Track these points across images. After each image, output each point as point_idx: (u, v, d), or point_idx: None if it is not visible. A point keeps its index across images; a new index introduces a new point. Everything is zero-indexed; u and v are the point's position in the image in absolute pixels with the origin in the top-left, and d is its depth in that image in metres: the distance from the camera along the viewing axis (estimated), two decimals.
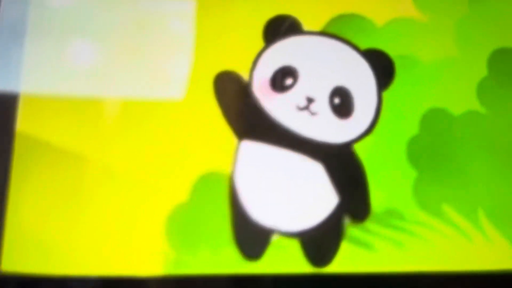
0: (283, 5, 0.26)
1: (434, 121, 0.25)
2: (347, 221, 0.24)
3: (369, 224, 0.24)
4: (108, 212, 0.24)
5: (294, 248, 0.24)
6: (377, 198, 0.24)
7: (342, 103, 0.25)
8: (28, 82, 0.25)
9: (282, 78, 0.25)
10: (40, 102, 0.25)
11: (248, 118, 0.25)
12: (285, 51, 0.26)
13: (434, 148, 0.25)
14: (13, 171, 0.24)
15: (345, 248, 0.24)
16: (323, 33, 0.26)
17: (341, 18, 0.26)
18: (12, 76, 0.26)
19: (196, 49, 0.26)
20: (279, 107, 0.25)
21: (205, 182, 0.24)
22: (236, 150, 0.24)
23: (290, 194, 0.24)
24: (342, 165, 0.25)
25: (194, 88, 0.25)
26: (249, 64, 0.25)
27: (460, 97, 0.26)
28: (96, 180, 0.24)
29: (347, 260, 0.23)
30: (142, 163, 0.24)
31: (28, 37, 0.26)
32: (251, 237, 0.24)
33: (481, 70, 0.26)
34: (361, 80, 0.26)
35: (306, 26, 0.26)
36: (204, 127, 0.25)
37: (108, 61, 0.25)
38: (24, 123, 0.24)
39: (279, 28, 0.26)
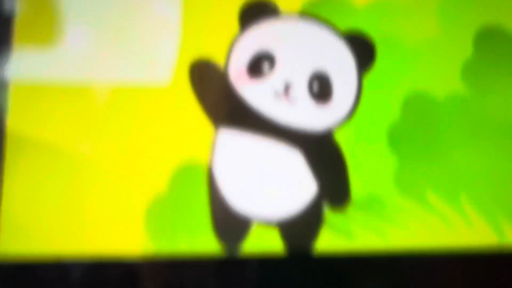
0: None
1: (416, 105, 0.25)
2: (326, 208, 0.24)
3: (349, 211, 0.24)
4: (90, 201, 0.23)
5: (274, 236, 0.24)
6: (357, 184, 0.24)
7: (321, 88, 0.25)
8: (18, 68, 0.25)
9: (259, 64, 0.25)
10: (30, 88, 0.25)
11: (225, 106, 0.25)
12: (261, 36, 0.25)
13: (416, 133, 0.25)
14: (6, 155, 0.24)
15: (324, 235, 0.24)
16: (300, 15, 0.25)
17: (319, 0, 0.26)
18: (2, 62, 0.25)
19: (182, 34, 0.25)
20: (256, 94, 0.24)
21: (183, 172, 0.24)
22: (214, 139, 0.24)
23: (269, 182, 0.24)
24: (321, 151, 0.24)
25: (177, 75, 0.25)
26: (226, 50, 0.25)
27: (444, 79, 0.25)
28: (80, 167, 0.24)
29: (327, 247, 0.23)
30: (122, 152, 0.24)
31: (18, 22, 0.25)
32: (230, 226, 0.24)
33: (466, 50, 0.26)
34: (340, 64, 0.25)
35: (283, 8, 0.25)
36: (182, 117, 0.24)
37: (96, 46, 0.25)
38: (15, 109, 0.24)
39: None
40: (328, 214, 0.24)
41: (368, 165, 0.24)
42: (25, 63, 0.25)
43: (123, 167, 0.24)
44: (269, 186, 0.24)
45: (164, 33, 0.25)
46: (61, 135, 0.24)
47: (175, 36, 0.25)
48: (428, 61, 0.25)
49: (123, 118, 0.24)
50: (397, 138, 0.24)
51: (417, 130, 0.25)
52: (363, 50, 0.25)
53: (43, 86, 0.24)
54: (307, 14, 0.25)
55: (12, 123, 0.24)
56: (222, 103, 0.25)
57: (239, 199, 0.24)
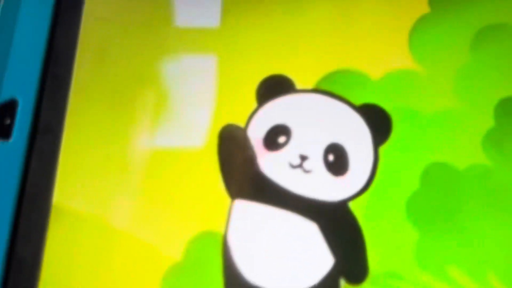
0: (275, 65, 0.27)
1: (436, 176, 0.24)
2: (343, 283, 0.23)
3: (366, 287, 0.23)
4: (107, 269, 0.24)
5: None
6: (375, 259, 0.23)
7: (336, 160, 0.25)
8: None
9: (275, 137, 0.25)
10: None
11: (242, 177, 0.25)
12: (278, 110, 0.26)
13: (436, 205, 0.24)
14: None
15: None
16: (316, 90, 0.26)
17: (334, 74, 0.26)
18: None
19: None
20: (272, 166, 0.25)
21: (199, 241, 0.24)
22: (230, 209, 0.25)
23: (284, 255, 0.24)
24: (338, 224, 0.24)
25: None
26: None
27: (464, 150, 0.25)
28: (108, 236, 0.25)
29: None
30: (140, 221, 0.25)
31: None
32: None
33: (487, 121, 0.25)
34: (356, 136, 0.25)
35: (298, 85, 0.26)
36: (198, 187, 0.25)
37: None
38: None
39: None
40: None
41: (386, 239, 0.23)
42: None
43: (142, 235, 0.25)
44: (284, 258, 0.24)
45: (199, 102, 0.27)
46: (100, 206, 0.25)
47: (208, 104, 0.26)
48: (447, 132, 0.25)
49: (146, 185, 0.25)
50: (416, 211, 0.24)
51: (437, 202, 0.24)
52: (378, 123, 0.25)
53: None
54: (322, 88, 0.26)
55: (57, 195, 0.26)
56: (240, 173, 0.25)
57: (254, 271, 0.23)
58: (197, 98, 0.27)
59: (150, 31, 0.29)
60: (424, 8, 0.27)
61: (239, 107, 0.26)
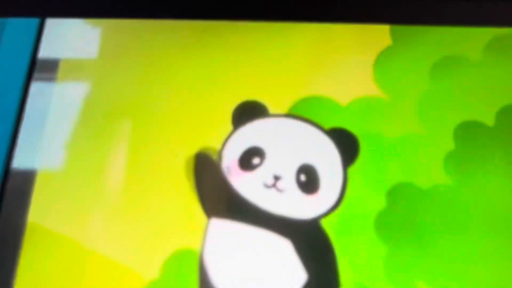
0: (251, 90, 0.28)
1: (401, 195, 0.26)
2: None
3: None
4: None
5: None
6: (346, 274, 0.24)
7: (308, 180, 0.26)
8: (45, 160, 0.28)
9: (250, 158, 0.27)
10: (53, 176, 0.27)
11: (217, 196, 0.26)
12: (252, 133, 0.27)
13: (402, 223, 0.25)
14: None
15: None
16: (288, 115, 0.28)
17: (306, 100, 0.28)
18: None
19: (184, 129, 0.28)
20: (247, 185, 0.26)
21: (175, 259, 0.25)
22: (206, 228, 0.25)
23: (259, 271, 0.24)
24: (310, 241, 0.25)
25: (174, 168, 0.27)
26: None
27: (427, 170, 0.26)
28: (82, 255, 0.25)
29: None
30: (116, 241, 0.25)
31: (48, 122, 0.28)
32: None
33: (448, 144, 0.27)
34: (326, 158, 0.27)
35: (272, 110, 0.28)
36: (174, 206, 0.26)
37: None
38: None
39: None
40: None
41: (356, 255, 0.24)
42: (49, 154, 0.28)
43: (119, 255, 0.25)
44: (259, 275, 0.24)
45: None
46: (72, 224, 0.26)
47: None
48: (411, 154, 0.27)
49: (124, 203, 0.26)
50: (384, 228, 0.25)
51: (403, 220, 0.25)
52: (347, 145, 0.27)
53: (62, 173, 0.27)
54: (294, 113, 0.28)
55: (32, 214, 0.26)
56: (215, 193, 0.26)
57: (229, 287, 0.24)
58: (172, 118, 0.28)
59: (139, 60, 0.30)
60: (387, 41, 0.30)
61: (216, 133, 0.28)
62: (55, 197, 0.26)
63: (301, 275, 0.24)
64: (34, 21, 0.31)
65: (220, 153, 0.27)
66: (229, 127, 0.27)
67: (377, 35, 0.30)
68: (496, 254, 0.24)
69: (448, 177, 0.26)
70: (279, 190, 0.26)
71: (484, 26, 0.30)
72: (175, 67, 0.29)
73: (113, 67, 0.30)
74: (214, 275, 0.24)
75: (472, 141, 0.27)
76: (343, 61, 0.29)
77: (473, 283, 0.24)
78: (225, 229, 0.25)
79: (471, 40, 0.30)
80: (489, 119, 0.27)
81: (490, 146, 0.27)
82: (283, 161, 0.26)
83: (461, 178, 0.26)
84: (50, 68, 0.30)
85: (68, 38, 0.31)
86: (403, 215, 0.25)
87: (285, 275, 0.24)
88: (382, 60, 0.29)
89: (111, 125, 0.28)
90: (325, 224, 0.25)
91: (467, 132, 0.27)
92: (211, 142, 0.27)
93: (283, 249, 0.25)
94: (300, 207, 0.26)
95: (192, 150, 0.27)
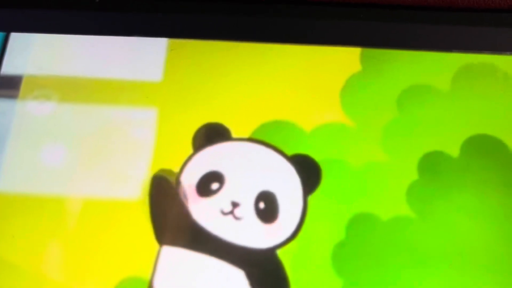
0: (213, 113, 0.28)
1: (361, 226, 0.25)
2: None
3: None
4: None
5: None
6: None
7: (267, 208, 0.26)
8: (5, 181, 0.27)
9: (208, 183, 0.26)
10: (12, 200, 0.26)
11: (171, 223, 0.25)
12: (213, 157, 0.27)
13: (361, 255, 0.25)
14: None
15: None
16: (251, 139, 0.27)
17: (269, 125, 0.28)
18: None
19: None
20: (203, 212, 0.26)
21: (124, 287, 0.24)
22: (157, 255, 0.25)
23: None
24: (265, 272, 0.24)
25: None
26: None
27: (389, 201, 0.26)
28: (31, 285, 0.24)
29: None
30: (69, 270, 0.25)
31: (9, 142, 0.28)
32: None
33: (411, 174, 0.27)
34: (287, 185, 0.26)
35: (234, 133, 0.28)
36: (127, 234, 0.25)
37: (75, 164, 0.27)
38: None
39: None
40: None
41: (312, 287, 0.24)
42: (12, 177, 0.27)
43: (70, 283, 0.24)
44: None
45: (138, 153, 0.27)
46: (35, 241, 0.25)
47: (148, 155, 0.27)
48: (373, 183, 0.26)
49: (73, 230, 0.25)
50: (342, 260, 0.25)
51: (362, 252, 0.25)
52: (308, 172, 0.26)
53: (28, 197, 0.26)
54: (257, 138, 0.27)
55: None
56: (169, 219, 0.26)
57: None
58: (135, 149, 0.28)
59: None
60: (356, 66, 0.30)
61: (176, 156, 0.27)
62: (10, 221, 0.26)
63: None
64: None
65: (178, 177, 0.26)
66: (189, 149, 0.27)
67: (347, 59, 0.30)
68: (460, 283, 0.24)
69: (410, 209, 0.26)
70: (237, 218, 0.25)
71: (455, 51, 0.29)
72: None
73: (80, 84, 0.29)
74: None
75: (436, 172, 0.27)
76: (309, 86, 0.29)
77: None
78: (177, 258, 0.25)
79: (441, 67, 0.29)
80: (453, 150, 0.27)
81: (454, 177, 0.27)
82: (242, 187, 0.26)
83: (424, 210, 0.26)
84: (13, 84, 0.30)
85: (33, 53, 0.30)
86: (362, 247, 0.25)
87: None
88: (350, 86, 0.29)
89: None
90: (281, 254, 0.25)
91: (432, 163, 0.27)
92: (169, 165, 0.27)
93: (235, 280, 0.24)
94: (257, 236, 0.25)
95: (150, 173, 0.27)
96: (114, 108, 0.28)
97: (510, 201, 0.26)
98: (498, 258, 0.25)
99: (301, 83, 0.29)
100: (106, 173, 0.27)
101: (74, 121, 0.28)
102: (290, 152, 0.27)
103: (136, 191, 0.26)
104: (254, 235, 0.25)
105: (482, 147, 0.27)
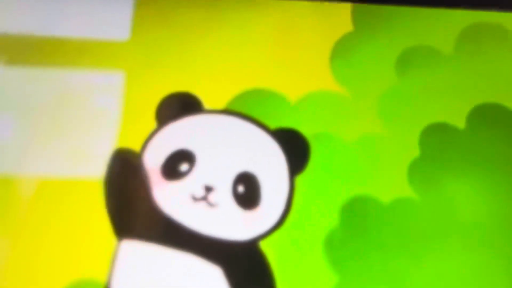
0: (180, 82, 0.24)
1: (357, 210, 0.22)
2: None
3: None
4: None
5: None
6: None
7: (247, 192, 0.22)
8: None
9: (176, 164, 0.23)
10: None
11: (132, 211, 0.22)
12: (181, 133, 0.23)
13: (357, 244, 0.22)
14: None
15: None
16: (226, 111, 0.24)
17: (248, 94, 0.24)
18: None
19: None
20: (171, 198, 0.22)
21: None
22: (115, 252, 0.21)
23: None
24: (245, 268, 0.21)
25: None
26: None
27: (388, 182, 0.23)
28: None
29: None
30: (14, 265, 0.21)
31: None
32: None
33: (413, 150, 0.24)
34: (270, 165, 0.23)
35: (207, 104, 0.24)
36: (81, 224, 0.22)
37: (27, 137, 0.23)
38: None
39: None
40: None
41: (301, 285, 0.21)
42: None
43: (13, 283, 0.21)
44: None
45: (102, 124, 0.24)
46: None
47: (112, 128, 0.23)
48: (371, 161, 0.23)
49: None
50: (335, 250, 0.22)
51: (359, 240, 0.22)
52: (295, 149, 0.23)
53: None
54: (233, 109, 0.24)
55: None
56: (129, 206, 0.22)
57: None
58: (98, 120, 0.24)
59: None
60: (348, 26, 0.26)
61: (143, 130, 0.23)
62: None
63: None
64: None
65: (140, 157, 0.23)
66: (152, 124, 0.24)
67: (337, 17, 0.26)
68: (466, 273, 0.22)
69: (413, 190, 0.23)
70: (211, 204, 0.22)
71: (459, 8, 0.27)
72: None
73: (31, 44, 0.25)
74: None
75: (440, 146, 0.24)
76: (295, 48, 0.25)
77: None
78: (140, 254, 0.21)
79: (444, 28, 0.26)
80: (459, 121, 0.25)
81: (461, 152, 0.24)
82: (217, 168, 0.22)
83: (427, 190, 0.23)
84: None
85: None
86: (358, 235, 0.22)
87: None
88: (342, 48, 0.26)
89: None
90: (264, 246, 0.22)
91: (435, 136, 0.24)
92: (129, 143, 0.23)
93: (211, 279, 0.21)
94: (235, 225, 0.22)
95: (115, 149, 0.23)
96: (73, 72, 0.25)
97: None
98: (506, 236, 0.22)
99: (284, 45, 0.25)
100: (64, 149, 0.23)
101: (25, 88, 0.24)
102: (273, 125, 0.24)
103: (98, 170, 0.23)
104: (232, 224, 0.22)
105: (491, 118, 0.25)
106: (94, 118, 0.24)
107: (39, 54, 0.25)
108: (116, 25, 0.26)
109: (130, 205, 0.22)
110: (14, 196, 0.22)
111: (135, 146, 0.23)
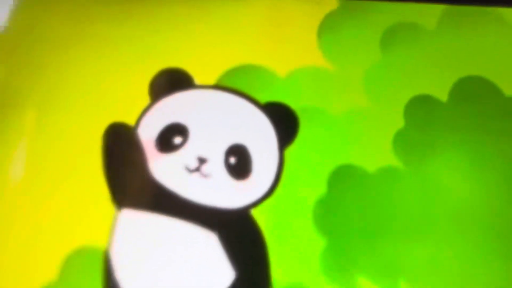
0: (171, 58, 0.25)
1: (344, 179, 0.24)
2: None
3: None
4: None
5: None
6: (279, 271, 0.22)
7: (238, 163, 0.23)
8: None
9: (170, 137, 0.24)
10: None
11: (130, 182, 0.23)
12: (174, 107, 0.24)
13: (345, 211, 0.23)
14: None
15: None
16: (217, 86, 0.25)
17: (238, 70, 0.25)
18: None
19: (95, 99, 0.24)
20: (166, 169, 0.23)
21: (76, 258, 0.22)
22: (114, 220, 0.22)
23: (179, 270, 0.22)
24: (239, 234, 0.22)
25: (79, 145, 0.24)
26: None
27: (374, 151, 0.24)
28: None
29: None
30: (10, 229, 0.22)
31: None
32: None
33: (397, 121, 0.25)
34: (260, 137, 0.24)
35: (198, 80, 0.25)
36: (78, 194, 0.23)
37: None
38: None
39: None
40: None
41: (291, 249, 0.22)
42: None
43: (10, 252, 0.22)
44: (178, 274, 0.22)
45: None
46: None
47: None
48: (357, 132, 0.25)
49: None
50: (323, 217, 0.23)
51: (346, 207, 0.23)
52: (284, 122, 0.24)
53: None
54: (223, 85, 0.25)
55: None
56: (128, 177, 0.23)
57: None
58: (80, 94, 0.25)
59: None
60: (333, 3, 0.27)
61: (131, 107, 0.24)
62: None
63: (228, 273, 0.22)
64: None
65: (134, 130, 0.24)
66: (146, 99, 0.24)
67: None
68: (451, 244, 0.23)
69: (398, 159, 0.24)
70: (204, 175, 0.23)
71: None
72: (89, 31, 0.26)
73: None
74: (122, 276, 0.21)
75: (424, 118, 0.25)
76: (282, 26, 0.26)
77: (421, 277, 0.22)
78: (138, 222, 0.22)
79: (427, 4, 0.28)
80: (442, 94, 0.26)
81: (444, 124, 0.25)
82: (209, 140, 0.24)
83: (412, 160, 0.24)
84: None
85: None
86: (345, 202, 0.23)
87: (209, 274, 0.22)
88: (329, 24, 0.27)
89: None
90: (256, 214, 0.23)
91: (419, 108, 0.26)
92: (124, 118, 0.24)
93: (207, 244, 0.22)
94: (228, 194, 0.23)
95: (101, 127, 0.24)
96: None
97: (506, 148, 0.25)
98: (493, 211, 0.24)
99: (273, 22, 0.26)
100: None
101: None
102: (262, 100, 0.25)
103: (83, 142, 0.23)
104: (225, 193, 0.23)
105: (473, 91, 0.26)
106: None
107: None
108: None
109: (127, 176, 0.23)
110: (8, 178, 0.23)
111: (123, 120, 0.24)
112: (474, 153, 0.25)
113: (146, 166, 0.23)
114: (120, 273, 0.21)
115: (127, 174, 0.23)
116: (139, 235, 0.22)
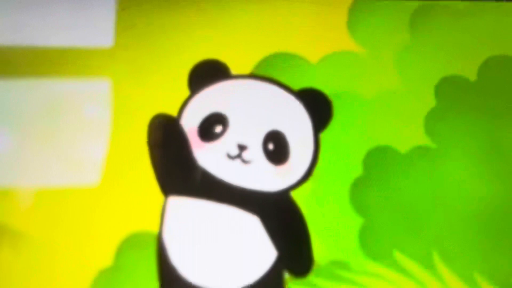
0: (208, 49, 0.27)
1: (379, 160, 0.25)
2: (287, 277, 0.24)
3: (312, 278, 0.24)
4: (35, 278, 0.24)
5: None
6: (320, 249, 0.24)
7: (276, 149, 0.25)
8: None
9: (211, 126, 0.26)
10: None
11: (176, 170, 0.25)
12: (213, 98, 0.26)
13: (380, 190, 0.25)
14: None
15: None
16: (252, 75, 0.27)
17: (271, 58, 0.27)
18: None
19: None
20: (209, 157, 0.25)
21: (130, 243, 0.24)
22: (164, 207, 0.25)
23: (224, 251, 0.24)
24: (280, 215, 0.25)
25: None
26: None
27: (406, 132, 0.26)
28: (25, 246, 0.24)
29: None
30: (69, 225, 0.25)
31: None
32: None
33: (429, 101, 0.27)
34: (296, 123, 0.26)
35: (234, 70, 0.27)
36: (128, 184, 0.25)
37: (20, 149, 0.25)
38: None
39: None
40: (289, 282, 0.24)
41: (330, 227, 0.24)
42: None
43: (69, 241, 0.24)
44: (224, 255, 0.24)
45: (93, 134, 0.26)
46: None
47: (104, 133, 0.26)
48: (389, 114, 0.26)
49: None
50: (360, 196, 0.25)
51: (381, 187, 0.25)
52: (318, 108, 0.26)
53: None
54: (258, 74, 0.27)
55: None
56: (173, 167, 0.25)
57: (193, 270, 0.24)
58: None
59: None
60: None
61: (170, 97, 0.26)
62: None
63: (271, 252, 0.24)
64: None
65: (177, 120, 0.26)
66: (186, 91, 0.26)
67: None
68: (480, 224, 0.24)
69: (430, 139, 0.26)
70: (245, 161, 0.25)
71: None
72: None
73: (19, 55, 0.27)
74: (175, 258, 0.24)
75: (454, 97, 0.27)
76: (312, 13, 0.28)
77: (454, 252, 0.24)
78: (186, 207, 0.24)
79: None
80: (471, 74, 0.27)
81: (473, 102, 0.27)
82: (248, 128, 0.26)
83: (442, 139, 0.26)
84: None
85: None
86: (380, 183, 0.25)
87: (253, 254, 0.24)
88: (358, 9, 0.28)
89: None
90: (295, 196, 0.25)
91: (449, 88, 0.27)
92: (165, 110, 0.26)
93: (250, 226, 0.24)
94: (268, 179, 0.25)
95: (144, 119, 0.26)
96: (61, 81, 0.26)
97: None
98: None
99: (302, 10, 0.28)
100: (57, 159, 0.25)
101: (15, 100, 0.26)
102: (296, 86, 0.27)
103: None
104: (265, 178, 0.25)
105: (502, 70, 0.27)
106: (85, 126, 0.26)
107: (27, 64, 0.27)
108: (100, 32, 0.27)
109: (174, 164, 0.25)
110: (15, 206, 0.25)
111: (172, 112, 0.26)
112: (500, 127, 0.26)
113: (192, 154, 0.25)
114: (173, 255, 0.24)
115: (174, 162, 0.25)
116: (188, 219, 0.24)
